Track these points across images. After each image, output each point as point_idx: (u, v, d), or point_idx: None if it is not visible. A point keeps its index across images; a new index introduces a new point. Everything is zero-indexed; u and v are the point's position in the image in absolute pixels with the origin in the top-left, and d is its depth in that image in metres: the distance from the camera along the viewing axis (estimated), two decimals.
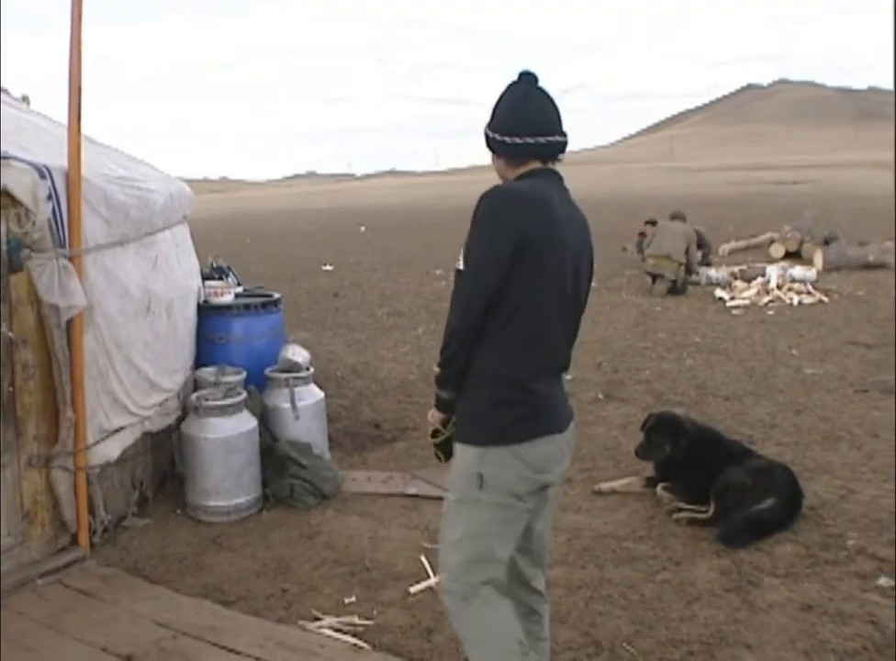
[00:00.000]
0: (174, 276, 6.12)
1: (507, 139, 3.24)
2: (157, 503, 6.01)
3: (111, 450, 5.38)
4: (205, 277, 7.10)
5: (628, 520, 5.68)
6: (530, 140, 3.20)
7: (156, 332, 5.75)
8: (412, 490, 6.25)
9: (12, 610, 4.63)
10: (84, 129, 4.89)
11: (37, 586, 4.88)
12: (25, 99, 6.34)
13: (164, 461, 6.15)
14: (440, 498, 6.08)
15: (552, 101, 3.27)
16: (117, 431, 5.42)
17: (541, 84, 3.27)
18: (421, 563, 5.11)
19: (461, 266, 3.16)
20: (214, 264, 7.79)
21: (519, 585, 3.49)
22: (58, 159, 4.86)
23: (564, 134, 3.26)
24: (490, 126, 3.30)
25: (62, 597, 4.80)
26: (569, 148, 3.30)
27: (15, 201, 4.59)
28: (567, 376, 3.43)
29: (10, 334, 4.74)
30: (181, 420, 6.08)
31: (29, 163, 4.70)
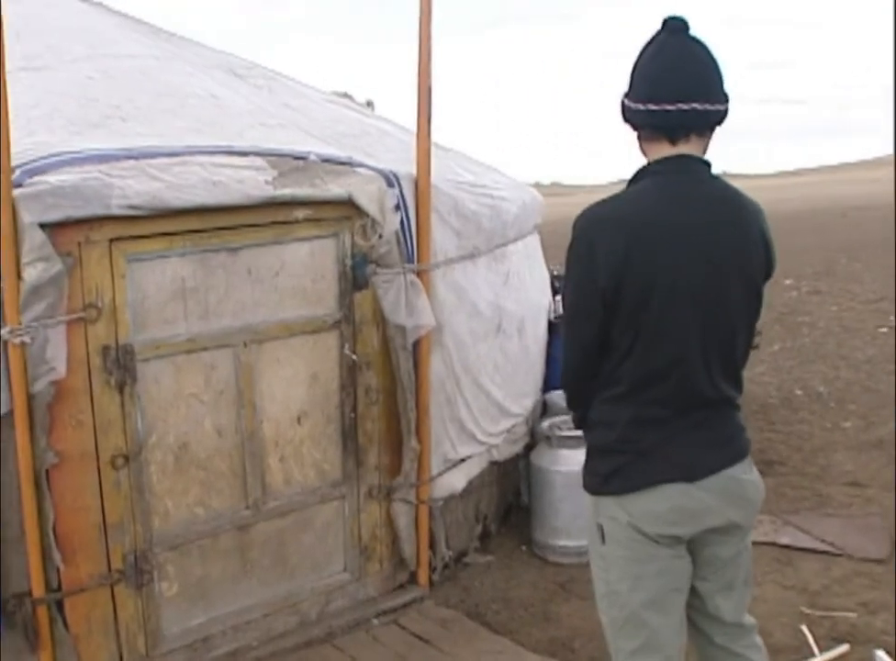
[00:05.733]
0: (526, 292, 5.26)
1: (632, 105, 2.42)
2: (500, 538, 5.17)
3: (456, 481, 4.60)
4: (555, 291, 6.17)
5: None
6: (644, 108, 2.37)
7: (506, 353, 4.91)
8: (784, 540, 5.07)
9: (344, 653, 4.03)
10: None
11: (372, 626, 4.24)
12: (369, 104, 5.75)
13: (510, 491, 5.32)
14: (818, 552, 5.00)
15: (700, 57, 2.37)
16: (462, 460, 4.64)
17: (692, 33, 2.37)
18: (803, 634, 3.96)
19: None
20: (555, 273, 6.83)
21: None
22: (404, 165, 4.13)
23: (711, 100, 2.36)
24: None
25: (397, 641, 4.12)
26: None
27: (360, 212, 3.89)
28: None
29: (353, 356, 4.06)
30: (529, 447, 5.22)
31: (376, 170, 3.98)
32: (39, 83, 3.87)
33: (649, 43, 2.43)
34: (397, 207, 3.97)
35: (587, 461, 2.64)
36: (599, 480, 2.56)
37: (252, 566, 3.96)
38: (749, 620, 2.80)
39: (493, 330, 4.77)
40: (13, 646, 3.38)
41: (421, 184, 4.07)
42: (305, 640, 4.07)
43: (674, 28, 2.39)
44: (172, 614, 3.76)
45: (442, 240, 4.29)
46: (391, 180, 3.97)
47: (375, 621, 4.25)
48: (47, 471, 3.32)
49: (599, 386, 2.54)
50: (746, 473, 2.60)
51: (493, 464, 4.96)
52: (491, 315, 4.74)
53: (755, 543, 4.89)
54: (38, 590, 3.36)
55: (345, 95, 5.86)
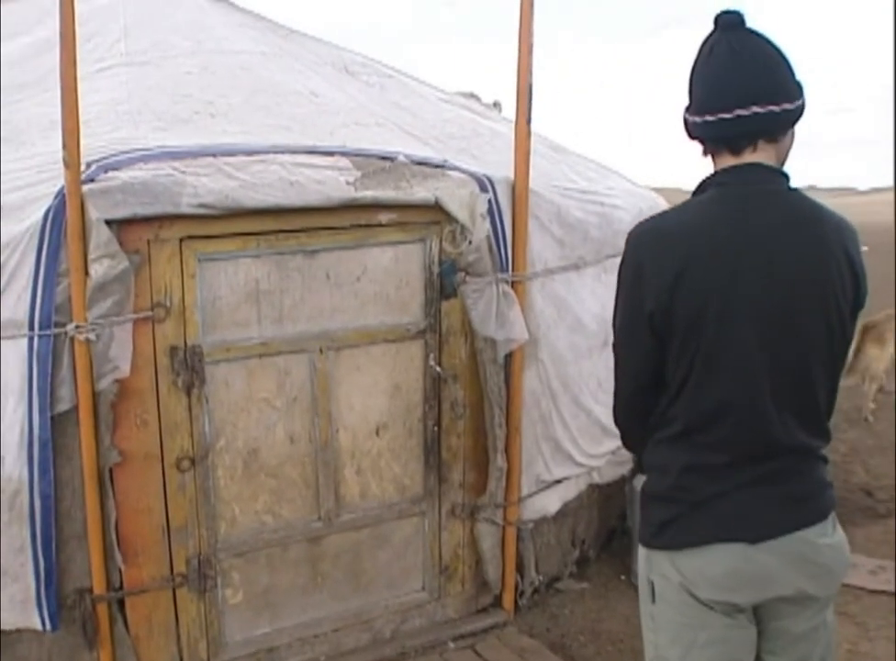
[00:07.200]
0: None
1: (690, 118, 2.11)
2: (599, 564, 4.79)
3: (549, 503, 4.27)
4: None
5: None
6: (701, 120, 2.06)
7: (611, 370, 4.53)
8: None
9: None
10: (551, 136, 3.85)
11: (446, 649, 3.98)
12: (496, 105, 5.45)
13: (613, 516, 4.94)
14: None
15: (759, 52, 2.01)
16: (557, 482, 4.31)
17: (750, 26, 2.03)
18: None
19: None
20: None
21: None
22: (510, 168, 3.84)
23: (777, 100, 1.99)
24: None
25: None
26: None
27: (449, 217, 3.63)
28: None
29: (438, 368, 3.81)
30: (636, 470, 4.83)
31: (469, 173, 3.71)
32: (135, 78, 3.79)
33: (702, 45, 2.07)
34: (489, 213, 3.69)
35: (641, 509, 2.31)
36: (652, 531, 2.23)
37: (322, 579, 3.78)
38: None
39: (598, 346, 4.40)
40: (70, 642, 3.31)
41: (519, 188, 3.77)
42: (376, 658, 3.87)
43: (727, 23, 2.03)
44: (235, 622, 3.62)
45: (541, 249, 3.97)
46: (485, 184, 3.69)
47: (451, 645, 4.00)
48: (110, 470, 3.22)
49: (655, 426, 2.20)
50: (826, 536, 2.16)
51: (593, 486, 4.61)
52: (597, 329, 4.38)
53: (870, 592, 4.42)
54: (98, 588, 3.28)
55: (471, 96, 5.60)
